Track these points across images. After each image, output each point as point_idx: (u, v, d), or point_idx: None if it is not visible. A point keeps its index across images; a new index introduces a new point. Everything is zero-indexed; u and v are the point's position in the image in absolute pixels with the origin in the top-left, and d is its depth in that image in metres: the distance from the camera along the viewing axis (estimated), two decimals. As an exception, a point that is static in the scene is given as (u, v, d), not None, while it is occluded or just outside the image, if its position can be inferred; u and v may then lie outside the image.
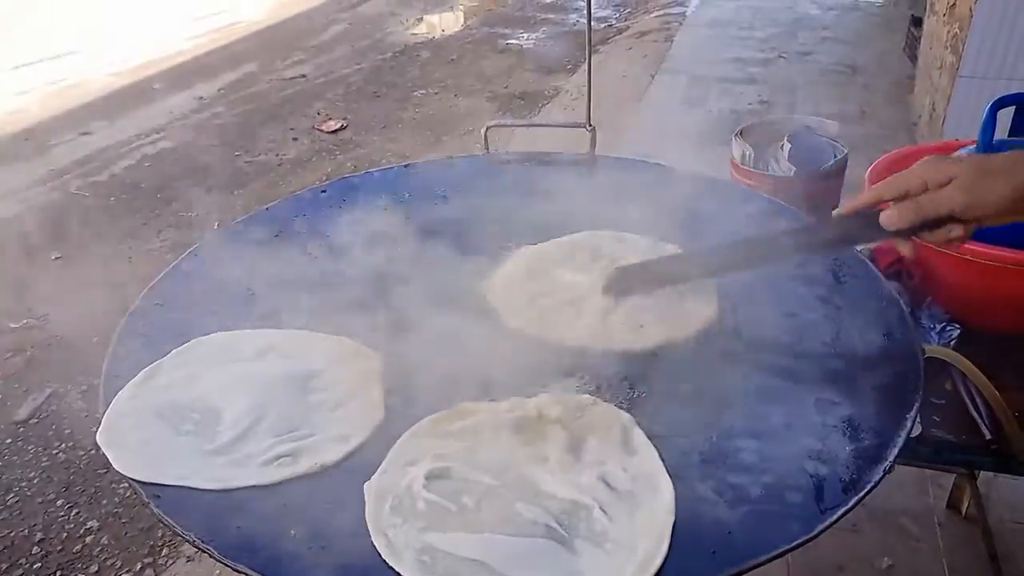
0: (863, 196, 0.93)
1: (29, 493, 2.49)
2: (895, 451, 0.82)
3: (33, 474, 2.54)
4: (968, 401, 1.44)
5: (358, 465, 0.86)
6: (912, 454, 1.39)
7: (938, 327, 1.55)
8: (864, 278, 1.11)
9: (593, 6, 6.40)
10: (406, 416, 0.92)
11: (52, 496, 2.45)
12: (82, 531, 2.34)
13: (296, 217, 1.33)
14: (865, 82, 4.75)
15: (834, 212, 0.97)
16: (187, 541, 0.75)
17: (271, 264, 1.20)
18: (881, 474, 0.80)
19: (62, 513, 2.40)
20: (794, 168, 1.62)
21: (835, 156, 1.65)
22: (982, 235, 1.49)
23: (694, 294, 1.10)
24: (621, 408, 0.93)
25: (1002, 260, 1.44)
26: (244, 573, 0.72)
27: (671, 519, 0.77)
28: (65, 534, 2.37)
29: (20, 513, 2.43)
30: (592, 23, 5.32)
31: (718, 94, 4.78)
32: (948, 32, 3.61)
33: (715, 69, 5.15)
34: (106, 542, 2.29)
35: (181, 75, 5.89)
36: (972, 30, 3.26)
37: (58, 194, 4.23)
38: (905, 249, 0.93)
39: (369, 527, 0.77)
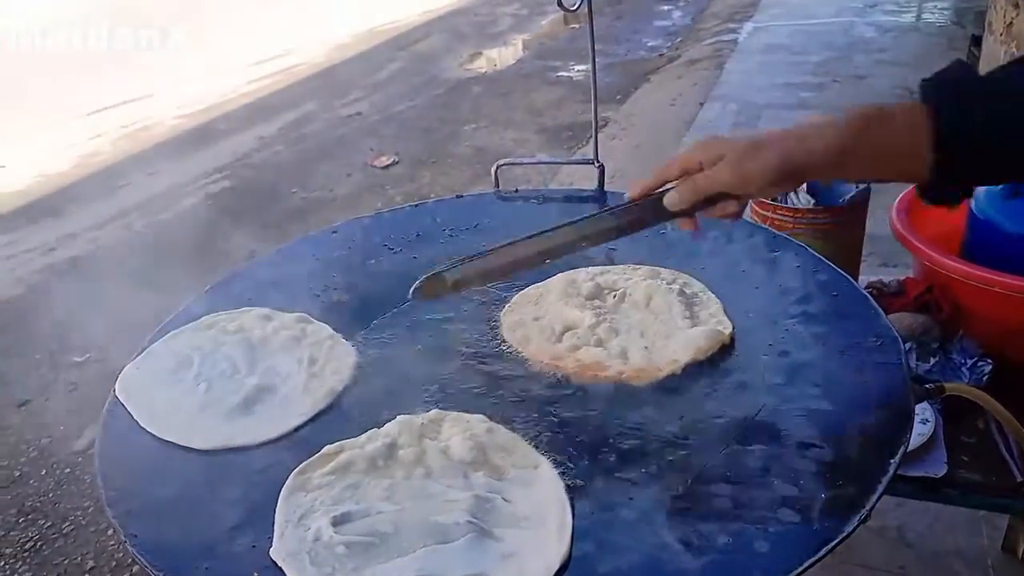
0: (649, 179, 0.97)
1: (84, 522, 2.59)
2: (874, 499, 0.79)
3: (88, 503, 2.65)
4: (1000, 441, 1.38)
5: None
6: (938, 496, 1.34)
7: (969, 362, 1.49)
8: (864, 316, 1.08)
9: (645, 36, 6.41)
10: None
11: (104, 525, 2.54)
12: (129, 560, 2.42)
13: (307, 257, 1.37)
14: (923, 104, 4.61)
15: (625, 196, 1.00)
16: (156, 580, 0.78)
17: (276, 300, 1.24)
18: (856, 523, 0.77)
19: (112, 543, 2.49)
20: (812, 200, 1.58)
21: (856, 187, 1.61)
22: (1015, 267, 1.44)
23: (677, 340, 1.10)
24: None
25: (1035, 293, 1.39)
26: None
27: (560, 483, 0.88)
28: (114, 563, 2.45)
29: (74, 541, 2.53)
30: (643, 52, 5.30)
31: (768, 120, 4.71)
32: (1005, 52, 3.49)
33: (766, 95, 5.08)
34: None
35: (244, 116, 6.14)
36: (1029, 49, 3.14)
37: (124, 232, 4.44)
38: (689, 227, 0.97)
39: None
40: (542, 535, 0.82)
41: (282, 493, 0.88)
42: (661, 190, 0.96)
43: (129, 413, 1.03)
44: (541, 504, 0.86)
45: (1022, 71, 0.85)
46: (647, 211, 0.97)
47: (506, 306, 1.22)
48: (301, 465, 0.92)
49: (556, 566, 0.77)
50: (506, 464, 0.92)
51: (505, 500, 0.87)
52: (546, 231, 0.99)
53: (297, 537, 0.82)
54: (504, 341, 1.14)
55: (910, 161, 0.84)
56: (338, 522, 0.83)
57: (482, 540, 0.81)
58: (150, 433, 1.00)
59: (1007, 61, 0.88)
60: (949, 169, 0.83)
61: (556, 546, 0.80)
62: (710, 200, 0.93)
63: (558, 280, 1.24)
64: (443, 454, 0.93)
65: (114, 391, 1.06)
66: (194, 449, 0.97)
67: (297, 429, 1.00)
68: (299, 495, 0.88)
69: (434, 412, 0.99)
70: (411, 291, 1.04)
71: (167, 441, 0.99)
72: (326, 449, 0.94)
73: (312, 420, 1.02)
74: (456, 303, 1.21)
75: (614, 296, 1.19)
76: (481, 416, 0.98)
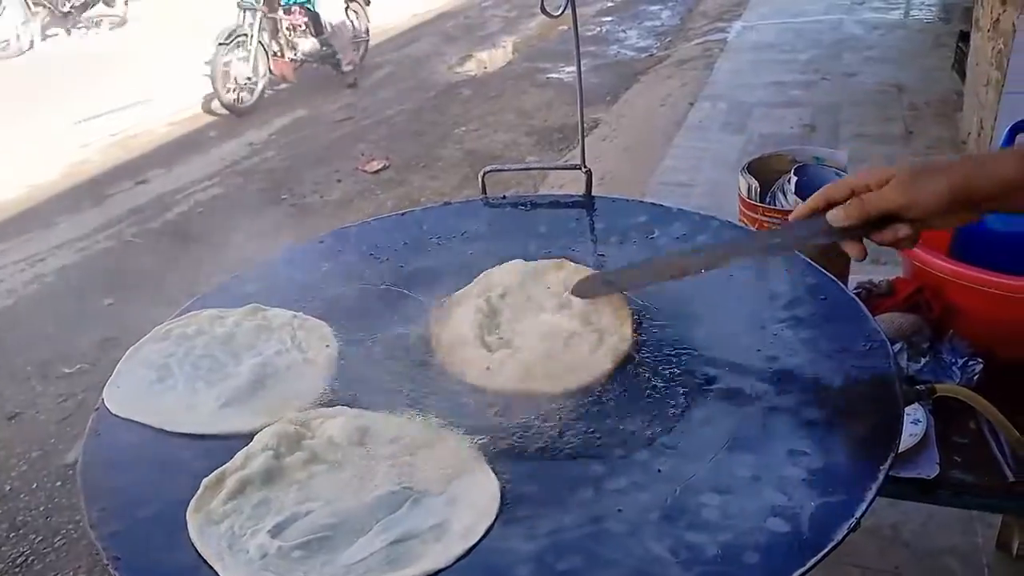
0: (814, 198, 0.98)
1: (75, 536, 2.58)
2: (864, 507, 0.78)
3: (79, 517, 2.61)
4: (992, 441, 1.37)
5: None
6: (931, 497, 1.33)
7: (960, 362, 1.48)
8: (853, 319, 1.07)
9: (634, 36, 6.43)
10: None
11: (96, 539, 2.52)
12: None
13: (293, 269, 1.36)
14: (912, 101, 4.63)
15: (789, 216, 1.01)
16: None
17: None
18: (845, 532, 0.76)
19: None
20: (800, 201, 1.57)
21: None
22: (1004, 266, 1.43)
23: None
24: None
25: (1024, 291, 1.38)
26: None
27: (450, 429, 0.96)
28: (107, 576, 2.43)
29: (66, 555, 2.52)
30: (633, 53, 5.31)
31: (759, 119, 4.72)
32: (993, 48, 3.50)
33: (756, 94, 5.09)
34: (143, 584, 2.35)
35: (235, 122, 6.12)
36: (1016, 45, 3.15)
37: (113, 241, 4.42)
38: (854, 251, 0.95)
39: None
40: (469, 477, 0.88)
41: (191, 536, 0.83)
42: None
43: (144, 427, 1.01)
44: (450, 452, 0.92)
45: None
46: (811, 229, 0.98)
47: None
48: (191, 504, 0.87)
49: (497, 492, 0.85)
50: (396, 433, 0.96)
51: (412, 458, 0.91)
52: (712, 245, 1.08)
53: (242, 562, 0.79)
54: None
55: None
56: (277, 533, 0.81)
57: (422, 498, 0.86)
58: (184, 435, 0.99)
59: None
60: None
61: (487, 480, 0.87)
62: (878, 222, 0.92)
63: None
64: (332, 444, 0.94)
65: (109, 411, 1.04)
66: (179, 466, 0.96)
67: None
68: (211, 528, 0.84)
69: (297, 414, 1.00)
70: (571, 289, 1.14)
71: (160, 457, 0.97)
72: (205, 482, 0.89)
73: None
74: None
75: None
76: (341, 407, 1.01)
